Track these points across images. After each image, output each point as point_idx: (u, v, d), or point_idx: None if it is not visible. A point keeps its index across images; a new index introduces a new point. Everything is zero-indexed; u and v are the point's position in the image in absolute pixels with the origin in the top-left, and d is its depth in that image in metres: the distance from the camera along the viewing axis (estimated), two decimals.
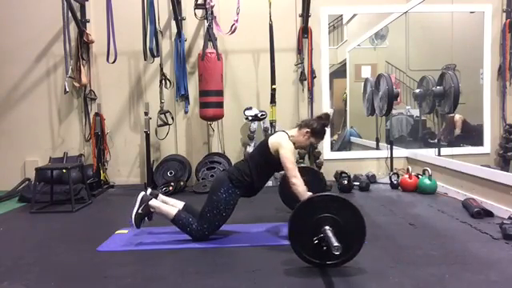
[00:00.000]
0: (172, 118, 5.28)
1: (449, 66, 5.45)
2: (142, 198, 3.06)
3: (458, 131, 5.80)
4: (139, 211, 3.01)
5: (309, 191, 3.04)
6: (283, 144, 2.94)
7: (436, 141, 5.87)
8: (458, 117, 5.75)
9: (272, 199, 3.94)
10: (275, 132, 3.25)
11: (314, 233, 2.35)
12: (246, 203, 4.00)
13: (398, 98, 5.74)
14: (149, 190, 3.23)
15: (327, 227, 2.34)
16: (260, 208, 4.00)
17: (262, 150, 3.05)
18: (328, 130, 5.44)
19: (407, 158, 5.48)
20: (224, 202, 2.95)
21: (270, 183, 4.88)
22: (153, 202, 3.05)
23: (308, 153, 5.25)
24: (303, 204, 2.47)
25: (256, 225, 3.29)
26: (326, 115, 3.14)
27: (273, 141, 2.99)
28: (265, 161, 3.01)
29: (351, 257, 2.42)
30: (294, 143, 3.04)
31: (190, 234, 3.00)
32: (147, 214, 3.05)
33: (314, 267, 2.43)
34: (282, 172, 3.11)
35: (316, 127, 3.03)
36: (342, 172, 4.95)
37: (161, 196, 3.25)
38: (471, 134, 5.74)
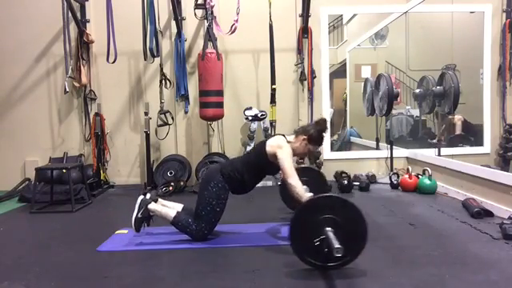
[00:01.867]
0: (172, 117, 5.28)
1: (449, 66, 5.45)
2: (141, 201, 3.06)
3: (458, 132, 5.80)
4: (139, 215, 3.01)
5: (310, 192, 3.04)
6: (281, 146, 2.91)
7: (436, 141, 5.85)
8: (457, 118, 5.75)
9: (272, 199, 3.94)
10: (274, 135, 3.22)
11: (315, 234, 2.34)
12: (246, 203, 4.01)
13: (398, 98, 5.74)
14: (148, 195, 3.21)
15: (329, 228, 2.33)
16: (260, 208, 4.00)
17: (258, 151, 3.03)
18: (328, 131, 5.51)
19: (407, 157, 5.49)
20: (215, 196, 2.95)
21: (269, 183, 4.92)
22: (152, 206, 3.05)
23: None
24: (305, 205, 2.46)
25: (256, 225, 3.29)
26: (323, 120, 3.06)
27: (271, 143, 2.96)
28: (259, 162, 2.99)
29: (352, 258, 2.41)
30: (291, 150, 3.00)
31: (190, 234, 3.00)
32: (147, 218, 3.05)
33: (315, 269, 2.42)
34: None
35: (313, 134, 2.97)
36: (342, 172, 4.95)
37: (160, 200, 3.25)
38: (472, 134, 5.72)
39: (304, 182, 2.98)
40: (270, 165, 2.96)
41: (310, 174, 3.53)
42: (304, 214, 2.41)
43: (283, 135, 3.07)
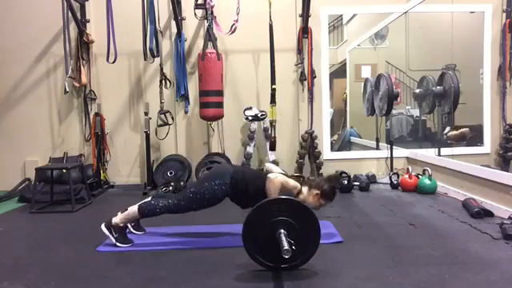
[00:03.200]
0: (172, 118, 5.28)
1: (449, 66, 5.45)
2: (104, 226, 2.95)
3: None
4: (115, 236, 2.93)
5: None
6: (273, 191, 2.82)
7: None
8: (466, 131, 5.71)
9: None
10: (276, 172, 3.11)
11: (269, 236, 2.34)
12: None
13: (398, 98, 5.74)
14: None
15: (282, 230, 2.33)
16: None
17: (259, 179, 2.95)
18: (328, 131, 5.55)
19: (407, 157, 5.49)
20: (212, 192, 2.89)
21: None
22: (114, 219, 2.95)
23: (308, 153, 5.25)
24: (259, 206, 2.43)
25: None
26: (336, 177, 3.12)
27: (268, 186, 2.86)
28: (260, 187, 2.92)
29: (305, 260, 2.42)
30: (303, 202, 2.86)
31: (160, 210, 2.93)
32: (123, 230, 2.99)
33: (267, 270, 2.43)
34: None
35: (326, 190, 2.97)
36: (342, 172, 4.95)
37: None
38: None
39: None
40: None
41: None
42: (259, 215, 2.39)
43: (286, 176, 3.00)
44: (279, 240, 2.28)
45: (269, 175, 2.89)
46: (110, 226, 2.95)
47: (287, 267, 2.40)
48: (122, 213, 2.97)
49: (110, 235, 2.94)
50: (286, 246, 2.21)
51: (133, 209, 2.95)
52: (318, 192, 2.96)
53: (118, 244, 2.93)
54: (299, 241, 2.33)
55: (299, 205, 2.42)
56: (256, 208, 2.42)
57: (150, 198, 3.02)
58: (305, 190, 3.01)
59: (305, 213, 2.39)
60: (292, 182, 2.93)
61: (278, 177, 2.87)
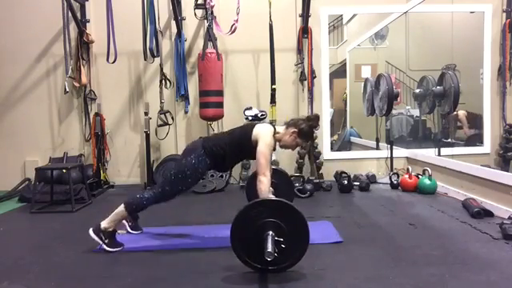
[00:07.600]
0: (172, 117, 5.28)
1: (449, 65, 5.45)
2: (93, 232, 2.87)
3: (467, 130, 5.80)
4: (106, 242, 2.86)
5: (276, 194, 3.02)
6: (264, 138, 2.83)
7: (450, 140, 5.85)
8: (461, 113, 5.73)
9: None
10: (263, 122, 3.15)
11: (257, 237, 2.32)
12: (243, 202, 4.01)
13: (398, 98, 5.74)
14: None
15: (271, 232, 2.30)
16: None
17: (244, 132, 2.94)
18: (328, 131, 5.55)
19: (407, 157, 5.49)
20: (192, 167, 2.86)
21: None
22: (103, 224, 2.89)
23: (308, 153, 5.25)
24: (249, 207, 2.40)
25: None
26: (316, 117, 3.03)
27: (257, 131, 2.87)
28: (242, 143, 2.91)
29: (294, 263, 2.40)
30: (279, 140, 2.96)
31: (147, 202, 2.89)
32: (113, 234, 2.92)
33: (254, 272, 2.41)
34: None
35: (303, 128, 2.91)
36: (342, 172, 4.95)
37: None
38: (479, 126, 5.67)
39: (273, 185, 2.97)
40: (251, 149, 2.87)
41: (278, 177, 3.45)
42: (248, 215, 2.36)
43: (274, 125, 3.02)
44: (265, 242, 2.25)
45: (258, 148, 2.79)
46: (99, 232, 2.87)
47: (276, 269, 2.38)
48: (110, 215, 2.91)
49: (100, 241, 2.85)
50: (269, 248, 2.18)
51: (119, 208, 2.91)
52: (296, 130, 2.91)
53: (108, 249, 2.85)
54: (288, 243, 2.30)
55: (289, 206, 2.38)
56: (244, 209, 2.38)
57: (129, 196, 2.96)
58: (281, 128, 2.98)
59: (294, 215, 2.35)
60: (270, 137, 2.86)
61: (262, 147, 2.78)
